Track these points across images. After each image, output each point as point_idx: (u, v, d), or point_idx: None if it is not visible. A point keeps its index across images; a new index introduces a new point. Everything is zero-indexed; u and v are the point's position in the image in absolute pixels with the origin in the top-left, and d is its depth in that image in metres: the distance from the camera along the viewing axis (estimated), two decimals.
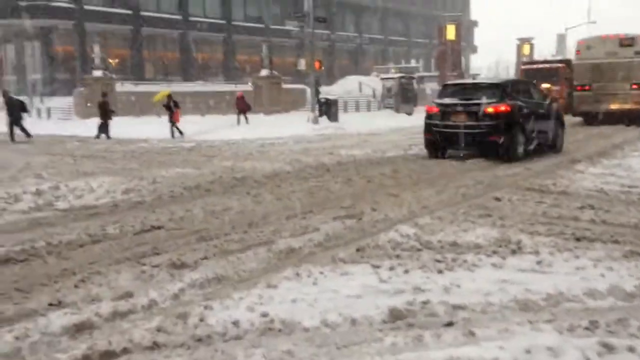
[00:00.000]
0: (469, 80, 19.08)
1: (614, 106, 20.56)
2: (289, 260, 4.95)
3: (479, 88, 12.52)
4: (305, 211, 6.96)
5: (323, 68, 36.94)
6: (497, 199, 7.28)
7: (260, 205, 7.42)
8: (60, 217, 6.88)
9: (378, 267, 4.62)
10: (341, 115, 28.51)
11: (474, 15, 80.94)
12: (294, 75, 50.70)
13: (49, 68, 42.82)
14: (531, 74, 23.90)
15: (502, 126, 11.22)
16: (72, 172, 10.69)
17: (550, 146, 13.04)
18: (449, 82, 15.13)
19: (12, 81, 44.10)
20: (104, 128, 20.60)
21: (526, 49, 68.35)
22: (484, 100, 11.48)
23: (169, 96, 21.80)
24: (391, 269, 4.57)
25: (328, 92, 41.91)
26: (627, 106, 20.47)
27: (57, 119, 31.14)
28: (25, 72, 44.18)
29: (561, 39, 64.51)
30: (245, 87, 41.69)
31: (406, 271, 4.51)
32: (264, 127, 22.54)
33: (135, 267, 4.81)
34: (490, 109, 11.33)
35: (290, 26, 42.58)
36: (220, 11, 52.63)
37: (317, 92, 27.47)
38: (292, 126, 23.02)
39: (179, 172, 10.38)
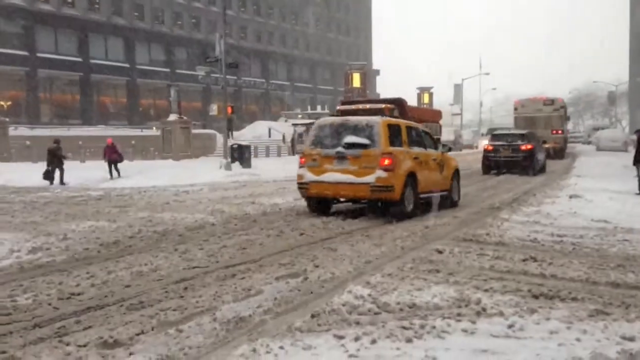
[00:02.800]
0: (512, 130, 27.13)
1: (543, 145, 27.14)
2: (240, 332, 4.42)
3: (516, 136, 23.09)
4: (243, 270, 6.44)
5: (234, 113, 36.61)
6: (439, 252, 7.10)
7: (192, 263, 6.81)
8: None
9: (341, 337, 4.19)
10: (253, 161, 28.11)
11: (376, 64, 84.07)
12: (202, 120, 49.95)
13: None
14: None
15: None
16: None
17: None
18: (496, 133, 25.03)
19: None
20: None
21: (426, 97, 71.70)
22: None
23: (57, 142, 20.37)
24: (356, 339, 4.15)
25: (238, 136, 41.63)
26: (549, 145, 29.87)
27: None
28: None
29: (458, 88, 68.10)
30: (150, 131, 40.47)
31: (373, 341, 4.11)
32: (175, 173, 21.66)
33: (57, 349, 4.09)
34: None
35: (196, 71, 41.97)
36: (123, 54, 51.25)
37: (230, 137, 27.03)
38: (205, 172, 22.35)
39: (92, 225, 9.51)
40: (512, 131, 25.31)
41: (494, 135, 23.97)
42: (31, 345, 4.17)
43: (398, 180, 10.09)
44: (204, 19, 58.68)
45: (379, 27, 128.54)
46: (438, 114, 25.93)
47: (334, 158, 10.37)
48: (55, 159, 19.60)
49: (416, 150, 11.13)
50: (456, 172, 12.94)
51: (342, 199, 11.20)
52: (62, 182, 19.37)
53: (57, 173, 19.56)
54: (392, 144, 10.28)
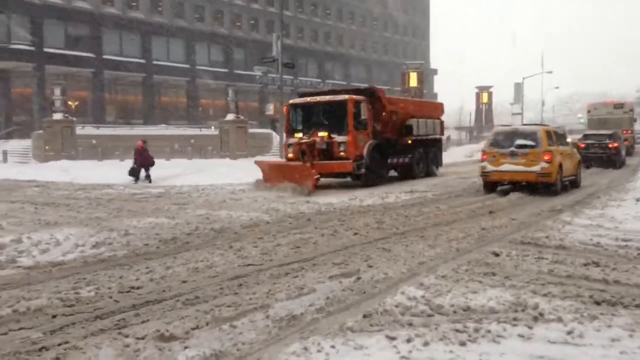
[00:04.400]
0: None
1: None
2: (292, 329, 4.45)
3: None
4: (296, 268, 6.49)
5: None
6: (496, 254, 6.95)
7: (246, 260, 6.91)
8: (25, 277, 6.22)
9: (393, 338, 4.16)
10: None
11: (434, 63, 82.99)
12: (259, 120, 50.54)
13: (5, 110, 41.60)
14: (305, 113, 18.17)
15: None
16: (35, 222, 9.96)
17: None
18: (587, 133, 26.68)
19: None
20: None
21: (485, 97, 70.15)
22: None
23: None
24: (409, 340, 4.11)
25: None
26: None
27: (14, 163, 29.95)
28: None
29: (519, 87, 66.39)
30: (209, 131, 41.29)
31: (426, 343, 4.07)
32: (232, 172, 22.01)
33: (117, 340, 4.23)
34: None
35: (254, 71, 42.55)
36: (184, 55, 52.42)
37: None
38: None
39: (152, 222, 9.77)
40: (602, 132, 27.98)
41: (585, 136, 26.86)
42: (92, 336, 4.32)
43: (554, 169, 14.05)
44: (262, 20, 59.38)
45: (437, 25, 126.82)
46: (438, 109, 23.59)
47: (508, 155, 14.33)
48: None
49: (560, 147, 14.94)
50: (579, 162, 16.79)
51: (505, 182, 15.01)
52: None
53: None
54: (549, 144, 14.18)
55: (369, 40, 73.65)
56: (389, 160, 19.07)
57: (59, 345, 4.11)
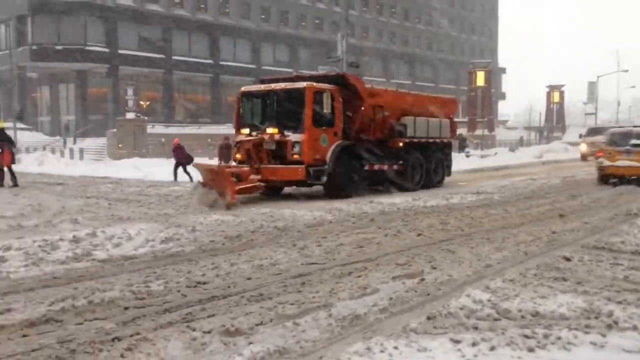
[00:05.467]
0: None
1: None
2: (354, 329, 4.45)
3: None
4: (359, 268, 6.48)
5: None
6: (567, 259, 6.71)
7: (310, 259, 6.96)
8: (99, 269, 6.49)
9: (458, 341, 4.09)
10: None
11: (502, 62, 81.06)
12: None
13: (82, 109, 43.50)
14: (257, 105, 14.99)
15: None
16: (108, 217, 10.38)
17: None
18: None
19: (45, 122, 44.90)
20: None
21: (556, 96, 67.81)
22: None
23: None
24: (474, 344, 4.03)
25: None
26: None
27: (89, 160, 31.32)
28: (59, 113, 44.91)
29: (593, 86, 63.84)
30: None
31: (492, 348, 3.97)
32: None
33: (184, 333, 4.35)
34: None
35: (319, 71, 42.67)
36: (249, 56, 53.29)
37: None
38: None
39: (218, 219, 9.99)
40: None
41: None
42: (161, 329, 4.46)
43: None
44: (327, 20, 59.65)
45: (506, 23, 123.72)
46: (448, 106, 19.02)
47: (624, 152, 16.30)
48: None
49: None
50: None
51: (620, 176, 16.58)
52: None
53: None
54: None
55: (435, 40, 72.70)
56: (369, 167, 14.98)
57: (131, 336, 4.26)
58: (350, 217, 10.50)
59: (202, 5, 50.40)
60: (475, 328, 4.40)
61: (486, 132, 50.35)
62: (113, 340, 4.19)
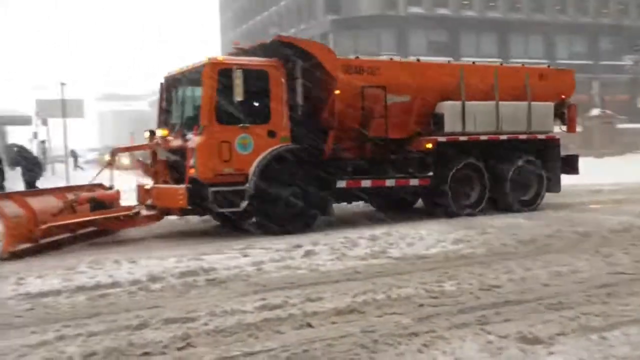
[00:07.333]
0: None
1: None
2: None
3: None
4: None
5: None
6: None
7: (616, 268, 6.31)
8: (394, 266, 6.83)
9: None
10: None
11: None
12: (629, 114, 45.50)
13: None
14: (173, 95, 10.59)
15: None
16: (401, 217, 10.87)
17: None
18: None
19: None
20: None
21: None
22: None
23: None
24: None
25: None
26: None
27: None
28: None
29: None
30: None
31: None
32: (596, 171, 20.31)
33: (479, 335, 4.32)
34: None
35: (623, 60, 38.43)
36: (543, 50, 50.64)
37: None
38: (631, 172, 20.28)
39: (509, 222, 9.70)
40: None
41: None
42: (456, 329, 4.49)
43: None
44: (632, 4, 53.37)
45: None
46: (553, 83, 12.17)
47: None
48: None
49: None
50: None
51: None
52: None
53: None
54: None
55: None
56: (350, 184, 10.03)
57: (426, 332, 4.38)
58: None
59: (492, 4, 49.57)
60: None
61: None
62: (410, 335, 4.36)
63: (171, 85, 10.42)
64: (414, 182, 10.52)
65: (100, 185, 10.21)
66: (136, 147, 11.23)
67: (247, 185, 9.13)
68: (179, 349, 4.17)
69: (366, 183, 10.16)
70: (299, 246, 7.78)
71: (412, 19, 46.34)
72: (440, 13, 47.40)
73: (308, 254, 7.43)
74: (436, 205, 10.93)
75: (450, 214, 10.63)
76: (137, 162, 13.39)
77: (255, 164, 9.20)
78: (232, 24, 70.70)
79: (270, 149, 9.34)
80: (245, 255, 7.34)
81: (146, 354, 4.09)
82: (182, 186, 9.07)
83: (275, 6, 58.02)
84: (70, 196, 9.18)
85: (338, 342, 4.24)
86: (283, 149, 9.46)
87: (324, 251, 7.57)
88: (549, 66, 13.39)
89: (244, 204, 9.13)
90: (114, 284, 6.09)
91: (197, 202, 9.00)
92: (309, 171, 9.59)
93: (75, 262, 7.11)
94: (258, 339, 4.35)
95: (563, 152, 12.22)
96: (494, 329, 4.44)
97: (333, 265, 6.93)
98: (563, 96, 12.26)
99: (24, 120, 31.80)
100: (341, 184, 9.85)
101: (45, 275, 6.43)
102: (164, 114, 10.45)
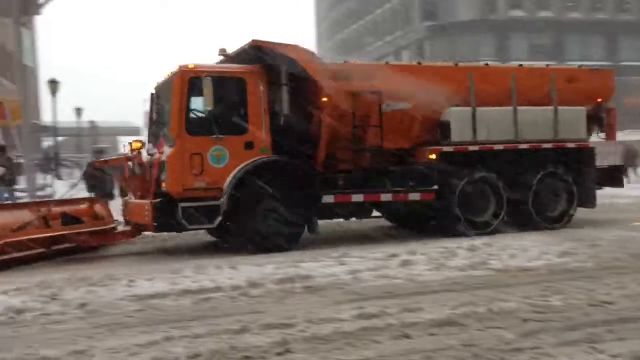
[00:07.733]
0: None
1: None
2: None
3: None
4: None
5: None
6: None
7: None
8: (496, 279, 6.61)
9: None
10: None
11: None
12: None
13: None
14: (157, 106, 10.10)
15: None
16: None
17: None
18: None
19: None
20: None
21: None
22: None
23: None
24: None
25: None
26: None
27: None
28: None
29: None
30: None
31: None
32: None
33: (589, 354, 4.07)
34: None
35: None
36: None
37: None
38: None
39: (620, 234, 9.15)
40: None
41: None
42: (563, 346, 4.26)
43: None
44: None
45: None
46: (586, 85, 10.89)
47: None
48: None
49: None
50: None
51: None
52: None
53: None
54: None
55: None
56: (338, 199, 9.34)
57: (531, 349, 4.19)
58: None
59: (599, 5, 47.23)
60: None
61: None
62: (514, 350, 4.18)
63: (157, 95, 10.00)
64: (413, 196, 9.63)
65: (92, 199, 10.26)
66: (112, 161, 11.06)
67: (221, 200, 8.62)
68: (278, 354, 4.24)
69: (358, 197, 9.42)
70: (395, 255, 7.73)
71: (512, 23, 44.99)
72: (543, 16, 45.70)
73: (405, 263, 7.36)
74: (440, 222, 10.09)
75: (455, 234, 9.57)
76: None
77: (229, 177, 8.66)
78: (328, 34, 71.66)
79: (246, 162, 8.78)
80: (342, 264, 7.39)
81: (247, 357, 4.18)
82: (147, 201, 8.71)
83: (371, 15, 58.21)
84: (43, 210, 8.79)
85: (437, 354, 4.15)
86: (261, 161, 8.87)
87: (421, 261, 7.47)
88: (580, 66, 12.30)
89: (218, 220, 8.67)
90: (217, 289, 6.30)
91: (163, 218, 8.55)
92: (290, 185, 8.95)
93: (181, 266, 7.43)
94: (355, 347, 4.33)
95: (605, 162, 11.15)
96: (606, 347, 4.18)
97: (431, 275, 6.82)
98: (599, 100, 11.06)
99: (133, 131, 33.82)
100: (328, 198, 9.12)
101: (154, 278, 6.77)
102: (154, 126, 10.13)
